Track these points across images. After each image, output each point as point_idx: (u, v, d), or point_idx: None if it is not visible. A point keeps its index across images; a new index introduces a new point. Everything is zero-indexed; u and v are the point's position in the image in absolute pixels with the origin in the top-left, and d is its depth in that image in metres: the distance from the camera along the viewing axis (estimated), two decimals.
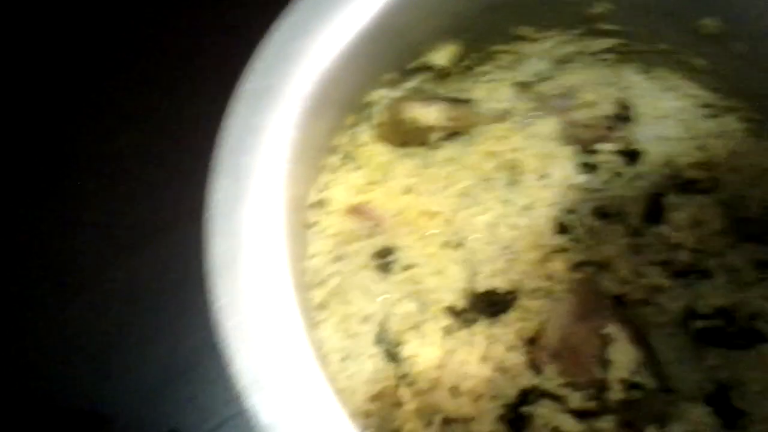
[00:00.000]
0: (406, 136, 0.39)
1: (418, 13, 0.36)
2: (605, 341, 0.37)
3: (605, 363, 0.37)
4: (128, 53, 0.58)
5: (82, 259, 0.53)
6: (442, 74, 0.41)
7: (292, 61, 0.32)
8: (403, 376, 0.37)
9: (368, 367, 0.37)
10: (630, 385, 0.37)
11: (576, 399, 0.37)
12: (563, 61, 0.42)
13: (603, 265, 0.41)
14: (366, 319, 0.38)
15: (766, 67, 0.37)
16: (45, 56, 0.59)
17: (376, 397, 0.37)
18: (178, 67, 0.57)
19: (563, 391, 0.37)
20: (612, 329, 0.38)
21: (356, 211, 0.37)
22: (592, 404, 0.37)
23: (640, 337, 0.38)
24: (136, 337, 0.51)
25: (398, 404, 0.37)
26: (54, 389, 0.50)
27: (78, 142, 0.57)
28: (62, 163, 0.56)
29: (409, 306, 0.38)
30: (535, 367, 0.37)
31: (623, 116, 0.42)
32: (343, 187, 0.37)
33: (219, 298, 0.28)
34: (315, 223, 0.37)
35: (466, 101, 0.40)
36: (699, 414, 0.37)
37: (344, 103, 0.36)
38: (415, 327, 0.38)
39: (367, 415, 0.37)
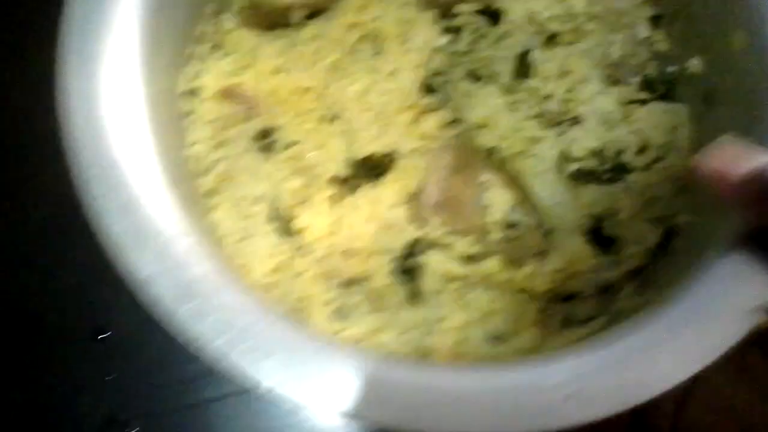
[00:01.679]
0: (270, 19, 0.40)
1: None
2: (481, 189, 0.40)
3: (483, 208, 0.40)
4: None
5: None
6: None
7: None
8: (299, 248, 0.39)
9: (264, 244, 0.39)
10: (508, 226, 0.40)
11: (461, 245, 0.39)
12: None
13: (481, 124, 0.44)
14: (257, 199, 0.39)
15: None
16: None
17: (274, 271, 0.39)
18: None
19: (448, 240, 0.39)
20: (486, 176, 0.40)
21: (229, 94, 0.38)
22: (476, 248, 0.40)
23: (512, 180, 0.41)
24: (57, 243, 0.52)
25: (297, 274, 0.39)
26: None
27: None
28: None
29: (296, 181, 0.39)
30: (418, 220, 0.39)
31: None
32: (213, 74, 0.38)
33: (82, 172, 0.29)
34: (190, 112, 0.38)
35: None
36: (576, 244, 0.40)
37: None
38: (304, 200, 0.39)
39: (268, 288, 0.38)
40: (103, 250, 0.53)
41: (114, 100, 0.31)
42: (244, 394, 0.51)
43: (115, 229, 0.29)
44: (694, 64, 0.39)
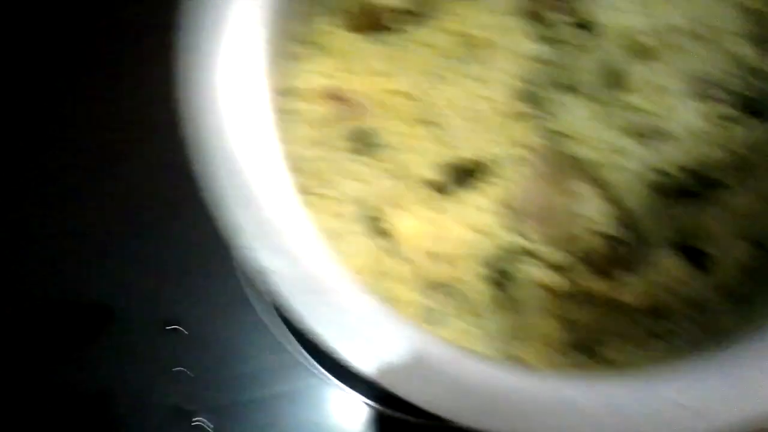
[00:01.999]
0: (365, 21, 0.41)
1: None
2: (575, 198, 0.40)
3: (576, 218, 0.40)
4: None
5: (88, 158, 0.55)
6: None
7: None
8: (388, 249, 0.39)
9: (354, 244, 0.39)
10: (603, 238, 0.40)
11: (554, 255, 0.39)
12: None
13: (570, 134, 0.44)
14: (348, 199, 0.40)
15: None
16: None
17: (363, 270, 0.39)
18: None
19: (540, 248, 0.39)
20: (583, 187, 0.40)
21: (329, 95, 0.39)
22: (569, 258, 0.39)
23: (609, 193, 0.41)
24: (133, 236, 0.53)
25: (385, 275, 0.39)
26: (55, 283, 0.53)
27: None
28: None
29: (388, 183, 0.40)
30: (511, 227, 0.40)
31: None
32: (311, 74, 0.39)
33: (206, 166, 0.30)
34: (290, 111, 0.38)
35: None
36: (667, 258, 0.40)
37: None
38: (396, 202, 0.40)
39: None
40: (174, 242, 0.54)
41: (232, 95, 0.32)
42: (312, 389, 0.52)
43: (237, 221, 0.29)
44: None
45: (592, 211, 0.40)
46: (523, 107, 0.41)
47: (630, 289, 0.39)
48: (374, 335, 0.29)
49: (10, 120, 0.57)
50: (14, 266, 0.53)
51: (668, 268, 0.40)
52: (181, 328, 0.52)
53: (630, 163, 0.43)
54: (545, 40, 0.43)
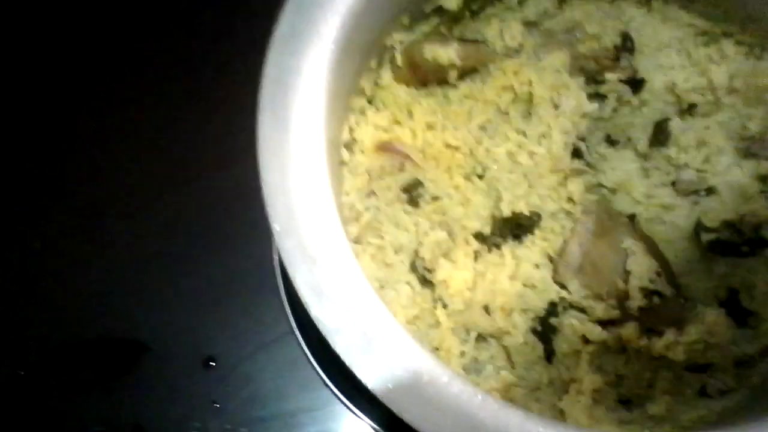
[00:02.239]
0: (425, 76, 0.42)
1: None
2: (623, 254, 0.40)
3: (625, 274, 0.40)
4: None
5: (127, 192, 0.56)
6: (454, 17, 0.43)
7: (320, 6, 0.34)
8: (438, 299, 0.40)
9: (405, 293, 0.40)
10: (648, 293, 0.40)
11: (600, 309, 0.40)
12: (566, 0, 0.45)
13: (616, 189, 0.44)
14: (399, 249, 0.40)
15: None
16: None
17: (414, 320, 0.39)
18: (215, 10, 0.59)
19: (588, 303, 0.40)
20: (629, 243, 0.40)
21: (384, 148, 0.40)
22: (615, 313, 0.40)
23: (655, 249, 0.41)
24: (171, 268, 0.54)
25: (435, 325, 0.40)
26: (91, 317, 0.53)
27: (123, 84, 0.59)
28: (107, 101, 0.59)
29: (439, 234, 0.40)
30: (560, 282, 0.40)
31: (627, 47, 0.44)
32: (370, 127, 0.40)
33: (276, 221, 0.31)
34: (347, 162, 0.39)
35: (479, 41, 0.43)
36: (713, 315, 0.40)
37: (367, 46, 0.39)
38: (446, 253, 0.40)
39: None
40: (212, 280, 0.55)
41: (295, 149, 0.33)
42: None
43: (304, 278, 0.30)
44: None
45: (638, 267, 0.40)
46: (573, 163, 0.42)
47: (676, 345, 0.39)
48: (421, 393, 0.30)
49: (44, 154, 0.58)
50: (53, 302, 0.54)
51: (713, 324, 0.40)
52: (216, 364, 0.53)
53: (678, 219, 0.44)
54: (598, 97, 0.44)
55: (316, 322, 0.29)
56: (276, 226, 0.30)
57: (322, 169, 0.33)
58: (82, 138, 0.58)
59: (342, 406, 0.52)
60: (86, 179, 0.58)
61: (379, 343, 0.30)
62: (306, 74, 0.34)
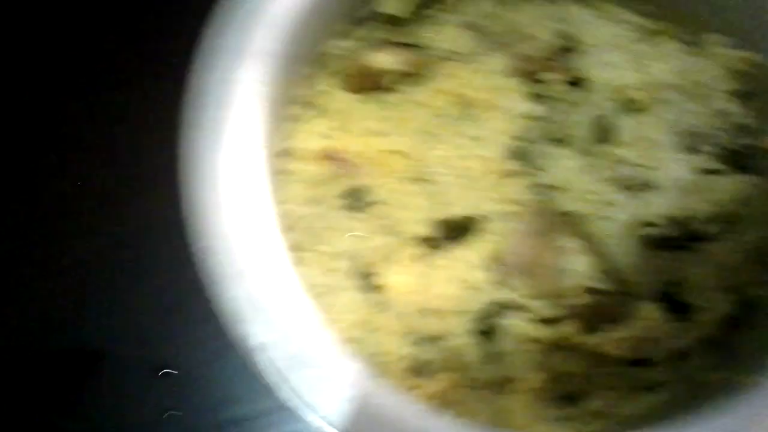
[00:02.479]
0: (364, 82, 0.42)
1: None
2: (561, 253, 0.41)
3: (562, 272, 0.41)
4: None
5: (81, 200, 0.56)
6: (393, 21, 0.43)
7: (249, 17, 0.34)
8: (379, 304, 0.40)
9: (346, 299, 0.40)
10: (589, 291, 0.41)
11: (541, 308, 0.40)
12: (505, 1, 0.45)
13: (558, 187, 0.45)
14: (340, 255, 0.41)
15: None
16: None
17: (355, 326, 0.40)
18: (143, 22, 0.59)
19: (529, 302, 0.41)
20: (569, 241, 0.41)
21: (323, 155, 0.40)
22: (554, 311, 0.41)
23: (595, 246, 0.42)
24: (122, 280, 0.54)
25: (379, 329, 0.40)
26: (44, 328, 0.53)
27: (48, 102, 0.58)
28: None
29: (380, 239, 0.41)
30: (499, 282, 0.41)
31: (567, 47, 0.45)
32: (308, 135, 0.40)
33: (202, 239, 0.31)
34: (284, 170, 0.39)
35: (416, 45, 0.43)
36: (650, 310, 0.41)
37: (303, 55, 0.39)
38: (388, 257, 0.41)
39: (348, 341, 0.40)
40: (168, 288, 0.55)
41: (229, 159, 0.33)
42: None
43: (230, 296, 0.30)
44: None
45: (579, 265, 0.41)
46: (514, 164, 0.42)
47: (615, 341, 0.40)
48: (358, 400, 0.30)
49: None
50: (3, 314, 0.54)
51: (652, 319, 0.41)
52: (172, 371, 0.53)
53: (618, 214, 0.45)
54: (538, 98, 0.44)
55: (242, 340, 0.30)
56: (201, 244, 0.31)
57: (256, 179, 0.33)
58: (28, 144, 0.58)
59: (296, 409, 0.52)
60: (37, 187, 0.57)
61: (311, 359, 0.30)
62: (236, 87, 0.34)
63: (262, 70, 0.35)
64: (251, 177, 0.34)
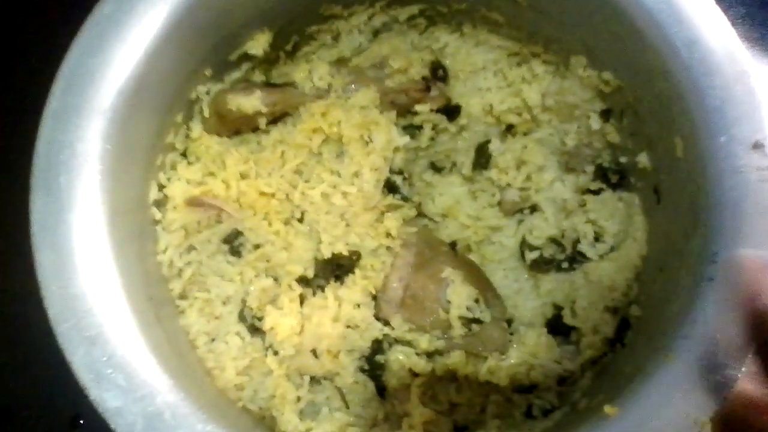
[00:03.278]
0: (235, 125, 0.42)
1: (225, 6, 0.38)
2: (444, 284, 0.41)
3: (446, 304, 0.41)
4: None
5: None
6: (268, 60, 0.43)
7: (91, 77, 0.34)
8: (269, 347, 0.40)
9: (235, 344, 0.40)
10: (470, 320, 0.41)
11: (424, 341, 0.40)
12: (378, 33, 0.45)
13: (444, 215, 0.45)
14: (226, 300, 0.40)
15: (550, 15, 0.41)
16: None
17: (245, 370, 0.39)
18: None
19: (412, 336, 0.40)
20: (448, 272, 0.41)
21: (197, 202, 0.40)
22: (439, 344, 0.41)
23: (475, 275, 0.42)
24: (30, 331, 0.52)
25: (268, 372, 0.40)
26: None
27: None
28: None
29: (264, 282, 0.40)
30: (383, 318, 0.41)
31: (438, 76, 0.45)
32: (181, 182, 0.40)
33: (50, 307, 0.30)
34: (160, 220, 0.39)
35: (287, 85, 0.43)
36: (536, 335, 0.41)
37: (167, 102, 0.38)
38: (273, 300, 0.40)
39: (239, 388, 0.39)
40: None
41: (79, 226, 0.32)
42: None
43: (81, 361, 0.30)
44: (642, 159, 0.40)
45: (457, 296, 0.41)
46: (391, 198, 0.42)
47: (500, 369, 0.40)
48: None
49: None
50: None
51: (536, 345, 0.41)
52: (86, 423, 0.52)
53: (503, 238, 0.45)
54: (413, 128, 0.44)
55: (95, 406, 0.29)
56: (50, 312, 0.30)
57: (104, 240, 0.33)
58: None
59: None
60: None
61: (162, 421, 0.30)
62: (80, 147, 0.33)
63: (103, 129, 0.34)
64: (98, 240, 0.33)
